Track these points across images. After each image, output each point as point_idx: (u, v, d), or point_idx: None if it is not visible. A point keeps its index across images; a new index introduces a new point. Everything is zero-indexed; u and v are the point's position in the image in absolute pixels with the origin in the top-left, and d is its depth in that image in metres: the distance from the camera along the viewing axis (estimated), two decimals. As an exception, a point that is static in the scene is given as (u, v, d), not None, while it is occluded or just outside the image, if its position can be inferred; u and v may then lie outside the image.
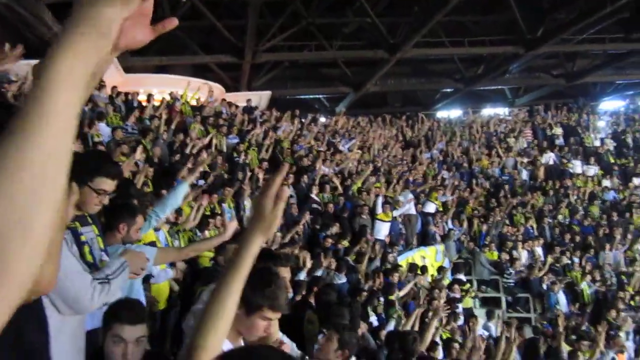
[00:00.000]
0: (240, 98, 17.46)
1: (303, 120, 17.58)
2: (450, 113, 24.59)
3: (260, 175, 10.37)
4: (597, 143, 20.49)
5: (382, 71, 19.86)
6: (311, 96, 23.60)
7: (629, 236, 15.24)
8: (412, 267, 10.62)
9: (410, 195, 12.78)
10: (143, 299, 4.12)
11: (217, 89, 17.70)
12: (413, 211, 12.90)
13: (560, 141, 20.37)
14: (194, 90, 15.46)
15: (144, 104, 13.00)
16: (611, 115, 23.34)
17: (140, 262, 2.64)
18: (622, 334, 11.07)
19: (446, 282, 11.07)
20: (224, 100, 16.03)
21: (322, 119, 19.94)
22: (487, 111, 24.55)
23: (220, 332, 1.49)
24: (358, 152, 15.64)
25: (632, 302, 12.53)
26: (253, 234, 1.48)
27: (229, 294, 1.48)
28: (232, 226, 3.77)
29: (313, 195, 11.19)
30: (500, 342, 7.92)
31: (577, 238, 14.99)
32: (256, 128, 13.39)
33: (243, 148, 11.88)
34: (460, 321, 9.26)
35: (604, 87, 25.49)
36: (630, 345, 11.44)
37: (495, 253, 13.87)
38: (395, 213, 11.96)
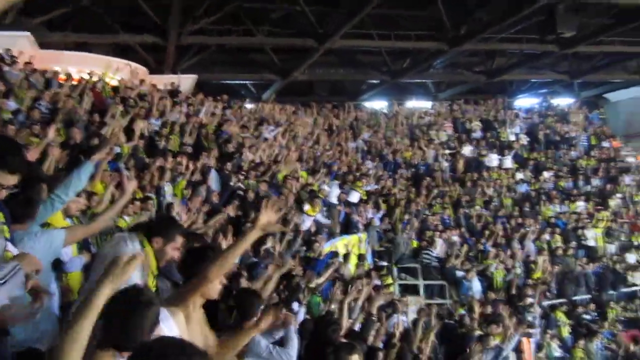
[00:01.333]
0: (163, 81, 16.89)
1: (232, 105, 17.30)
2: (375, 104, 24.97)
3: (184, 162, 10.14)
4: (512, 138, 21.48)
5: (310, 60, 19.87)
6: (238, 82, 23.26)
7: (538, 227, 16.12)
8: (335, 255, 10.76)
9: (337, 191, 12.98)
10: (55, 288, 3.92)
11: (140, 70, 17.04)
12: (335, 200, 13.09)
13: (478, 135, 21.22)
14: (115, 70, 14.85)
15: (62, 82, 12.36)
16: (526, 112, 24.52)
17: (33, 265, 2.44)
18: (529, 319, 11.75)
19: (367, 268, 11.30)
20: (143, 81, 15.46)
21: (249, 106, 19.69)
22: (411, 104, 25.13)
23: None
24: (284, 140, 15.60)
25: (538, 289, 13.23)
26: (104, 286, 1.82)
27: (79, 333, 1.73)
28: (132, 185, 3.72)
29: (236, 182, 11.05)
30: (417, 327, 8.19)
31: (491, 228, 15.67)
32: (178, 112, 13.04)
33: (165, 132, 11.55)
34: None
35: (520, 85, 26.70)
36: (537, 330, 12.17)
37: (415, 242, 14.31)
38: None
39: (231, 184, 10.90)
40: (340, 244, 12.02)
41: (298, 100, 22.12)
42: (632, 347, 13.00)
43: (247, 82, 23.41)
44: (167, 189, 9.03)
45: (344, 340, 5.79)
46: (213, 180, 10.64)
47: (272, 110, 18.59)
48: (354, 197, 13.98)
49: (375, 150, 18.79)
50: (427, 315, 9.11)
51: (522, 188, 18.72)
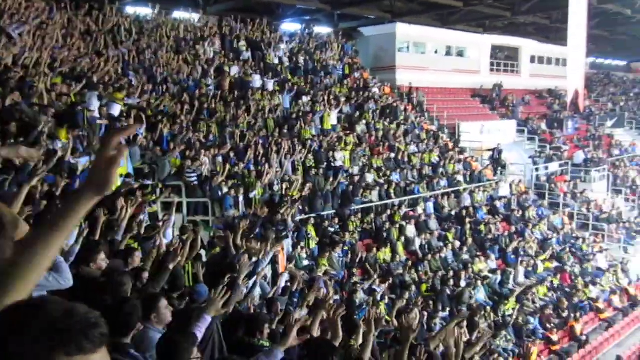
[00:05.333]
0: None
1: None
2: (139, 10, 23.16)
3: None
4: (276, 61, 22.24)
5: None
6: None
7: (298, 147, 17.29)
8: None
9: (97, 103, 12.05)
10: None
11: None
12: (97, 114, 12.19)
13: (244, 55, 21.45)
14: None
15: None
16: (290, 37, 25.44)
17: None
18: (284, 233, 12.81)
19: (130, 187, 10.92)
20: None
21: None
22: (178, 14, 23.97)
23: (29, 288, 1.33)
24: (32, 41, 13.72)
25: (293, 205, 14.39)
26: (88, 191, 1.40)
27: (48, 246, 1.35)
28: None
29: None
30: (183, 245, 8.32)
31: (254, 147, 16.30)
32: None
33: None
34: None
35: (286, 10, 27.32)
36: (289, 241, 13.37)
37: (179, 160, 14.19)
38: None
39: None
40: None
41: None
42: (365, 254, 15.22)
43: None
44: None
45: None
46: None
47: (15, 4, 16.06)
48: (115, 110, 13.17)
49: (138, 62, 17.73)
50: (192, 233, 9.28)
51: (282, 109, 19.72)
